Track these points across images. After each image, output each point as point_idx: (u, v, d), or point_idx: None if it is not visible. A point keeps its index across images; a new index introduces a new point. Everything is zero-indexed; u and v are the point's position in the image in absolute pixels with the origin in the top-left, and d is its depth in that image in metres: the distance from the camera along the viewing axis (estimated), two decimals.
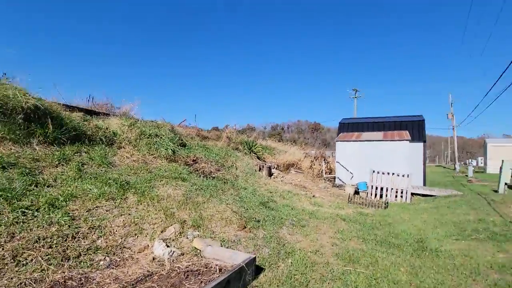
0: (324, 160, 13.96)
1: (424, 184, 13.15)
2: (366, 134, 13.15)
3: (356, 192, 10.70)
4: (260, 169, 9.93)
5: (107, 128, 6.54)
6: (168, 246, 3.32)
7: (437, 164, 61.29)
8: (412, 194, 10.37)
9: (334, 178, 12.61)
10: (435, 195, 10.47)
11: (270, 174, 10.20)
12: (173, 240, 3.52)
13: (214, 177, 6.66)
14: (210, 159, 8.30)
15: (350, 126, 16.49)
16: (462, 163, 53.87)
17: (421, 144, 13.74)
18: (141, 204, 4.22)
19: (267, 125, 71.67)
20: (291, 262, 3.48)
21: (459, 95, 73.18)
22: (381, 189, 10.28)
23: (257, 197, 6.11)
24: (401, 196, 9.91)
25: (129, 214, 3.89)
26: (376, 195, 10.29)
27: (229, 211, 4.68)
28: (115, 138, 6.58)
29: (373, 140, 11.84)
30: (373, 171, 10.54)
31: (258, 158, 12.30)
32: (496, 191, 10.98)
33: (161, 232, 3.64)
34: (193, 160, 7.45)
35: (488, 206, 7.38)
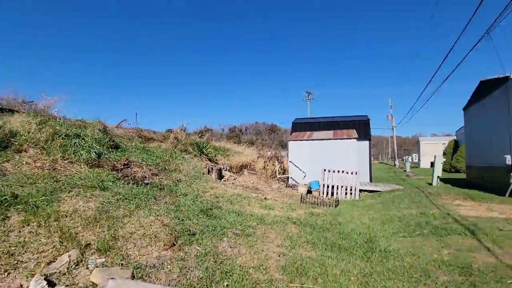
0: (278, 160, 13.74)
1: (371, 180, 13.80)
2: (317, 133, 13.29)
3: (309, 191, 10.59)
4: (209, 171, 9.11)
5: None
6: (52, 285, 2.38)
7: (380, 161, 67.39)
8: (360, 190, 10.66)
9: (288, 178, 12.42)
10: (380, 191, 10.93)
11: (220, 177, 9.46)
12: (63, 274, 2.57)
13: (147, 184, 5.67)
14: (148, 162, 7.22)
15: (303, 126, 16.66)
16: (401, 159, 60.16)
17: (367, 142, 14.43)
18: (28, 225, 3.13)
19: (224, 126, 70.15)
20: (227, 286, 2.83)
21: (398, 98, 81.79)
22: (332, 187, 10.34)
23: (199, 204, 5.34)
24: (351, 193, 10.08)
25: (4, 242, 2.80)
26: (327, 193, 10.31)
27: (157, 225, 3.83)
28: (14, 140, 5.17)
29: (324, 139, 11.95)
30: (324, 170, 10.57)
31: (210, 160, 11.45)
32: (430, 184, 11.97)
33: (48, 263, 2.66)
34: (125, 164, 6.33)
35: (427, 199, 7.78)
